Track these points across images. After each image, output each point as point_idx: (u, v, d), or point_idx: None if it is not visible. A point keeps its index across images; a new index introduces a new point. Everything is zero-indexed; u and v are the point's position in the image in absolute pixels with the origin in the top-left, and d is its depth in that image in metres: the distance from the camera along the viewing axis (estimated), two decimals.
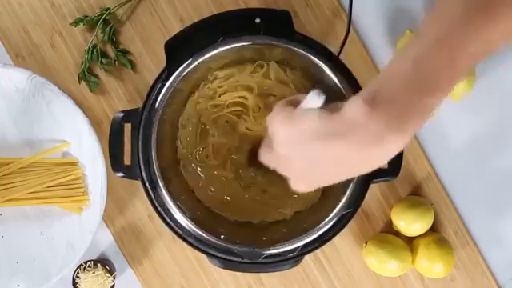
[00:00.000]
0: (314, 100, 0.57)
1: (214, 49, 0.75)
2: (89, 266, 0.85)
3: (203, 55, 0.75)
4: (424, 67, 0.51)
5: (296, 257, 0.75)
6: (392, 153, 0.54)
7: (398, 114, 0.51)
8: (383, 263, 0.84)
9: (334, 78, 0.75)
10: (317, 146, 0.55)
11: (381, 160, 0.55)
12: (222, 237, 0.76)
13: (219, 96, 0.81)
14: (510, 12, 0.50)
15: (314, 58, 0.75)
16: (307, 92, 0.58)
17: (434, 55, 0.51)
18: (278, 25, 0.75)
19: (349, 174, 0.57)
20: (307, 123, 0.55)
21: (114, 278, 0.86)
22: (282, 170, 0.61)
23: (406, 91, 0.51)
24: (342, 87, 0.74)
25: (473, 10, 0.51)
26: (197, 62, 0.75)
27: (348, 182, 0.75)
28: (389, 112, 0.51)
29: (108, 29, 0.86)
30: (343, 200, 0.75)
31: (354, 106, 0.52)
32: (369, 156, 0.53)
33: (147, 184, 0.75)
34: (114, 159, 0.76)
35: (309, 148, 0.55)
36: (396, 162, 0.75)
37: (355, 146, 0.53)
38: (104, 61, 0.87)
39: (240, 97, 0.80)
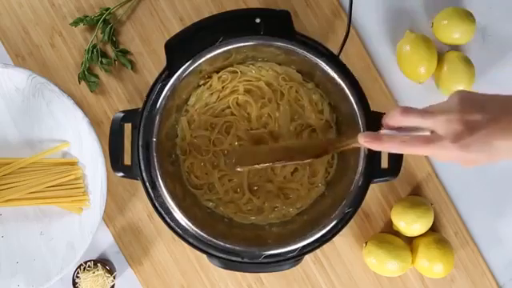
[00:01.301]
0: None
1: (215, 49, 0.75)
2: (89, 266, 0.85)
3: (203, 55, 0.75)
4: None
5: (296, 257, 0.75)
6: None
7: None
8: (383, 263, 0.84)
9: (335, 78, 0.75)
10: (497, 109, 0.62)
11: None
12: (221, 236, 0.76)
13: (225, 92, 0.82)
14: None
15: (313, 57, 0.75)
16: None
17: None
18: (278, 25, 0.75)
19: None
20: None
21: (114, 277, 0.86)
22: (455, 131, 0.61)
23: None
24: (342, 87, 0.74)
25: None
26: (197, 63, 0.75)
27: (349, 182, 0.75)
28: None
29: (108, 29, 0.86)
30: (343, 200, 0.75)
31: None
32: None
33: (147, 184, 0.75)
34: (114, 159, 0.76)
35: (489, 109, 0.61)
36: (396, 162, 0.75)
37: None
38: (104, 61, 0.87)
39: (252, 84, 0.82)
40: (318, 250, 0.76)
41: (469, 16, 0.84)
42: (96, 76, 0.87)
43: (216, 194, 0.83)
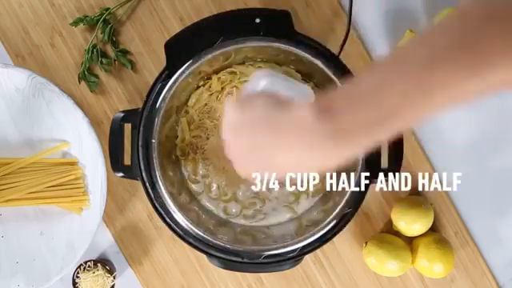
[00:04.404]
0: (255, 82, 0.59)
1: (214, 49, 0.75)
2: (89, 266, 0.85)
3: (203, 55, 0.75)
4: (387, 93, 0.48)
5: (296, 257, 0.76)
6: (326, 162, 0.53)
7: (343, 128, 0.50)
8: (383, 263, 0.84)
9: (334, 79, 0.75)
10: (260, 133, 0.55)
11: (314, 164, 0.54)
12: (221, 236, 0.76)
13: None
14: (504, 63, 0.45)
15: (313, 58, 0.75)
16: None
17: (404, 84, 0.48)
18: (278, 25, 0.75)
19: (283, 169, 0.56)
20: (254, 109, 0.55)
21: (114, 278, 0.86)
22: (228, 154, 0.60)
23: (360, 111, 0.50)
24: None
25: (462, 45, 0.45)
26: (197, 63, 0.75)
27: (348, 181, 0.75)
28: (336, 123, 0.50)
29: (108, 29, 0.86)
30: (343, 200, 0.75)
31: (304, 109, 0.52)
32: (306, 158, 0.53)
33: (147, 184, 0.75)
34: (114, 159, 0.76)
35: (251, 134, 0.55)
36: (396, 163, 0.75)
37: (297, 144, 0.53)
38: (104, 61, 0.87)
39: None
40: (318, 250, 0.76)
41: None
42: (96, 76, 0.87)
43: (216, 195, 0.83)
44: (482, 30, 0.45)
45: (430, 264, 0.84)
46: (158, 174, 0.75)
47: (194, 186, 0.83)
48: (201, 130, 0.82)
